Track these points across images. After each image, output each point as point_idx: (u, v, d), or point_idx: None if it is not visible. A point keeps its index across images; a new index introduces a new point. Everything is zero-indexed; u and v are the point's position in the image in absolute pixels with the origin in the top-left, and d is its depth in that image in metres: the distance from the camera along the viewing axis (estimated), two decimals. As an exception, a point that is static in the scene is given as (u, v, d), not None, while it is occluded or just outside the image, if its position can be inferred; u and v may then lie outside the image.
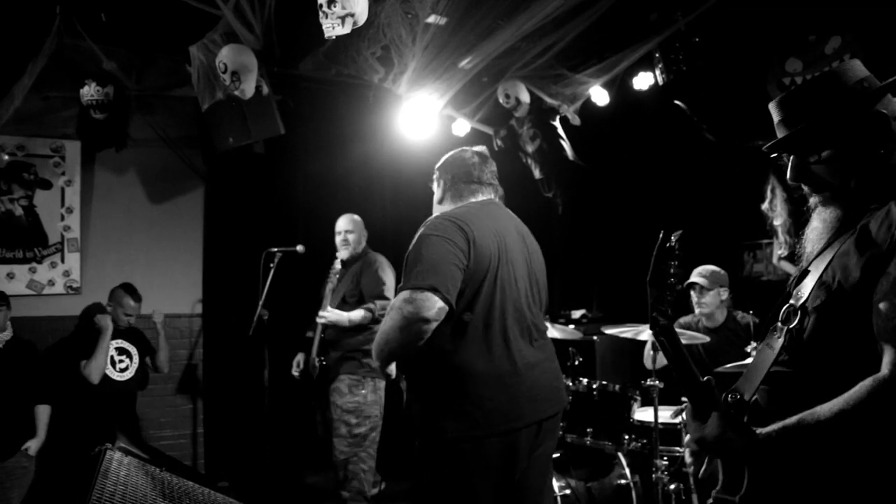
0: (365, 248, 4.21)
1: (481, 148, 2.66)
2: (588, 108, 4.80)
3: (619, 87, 4.70)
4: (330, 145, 5.20)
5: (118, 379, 4.20)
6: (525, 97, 4.71)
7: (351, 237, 4.12)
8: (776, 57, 4.10)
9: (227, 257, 5.02)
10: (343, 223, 4.18)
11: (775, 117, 1.51)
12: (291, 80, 4.25)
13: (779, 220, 4.14)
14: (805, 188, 1.48)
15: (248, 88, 3.60)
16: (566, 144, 5.14)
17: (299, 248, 4.27)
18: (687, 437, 1.49)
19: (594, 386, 3.66)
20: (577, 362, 3.87)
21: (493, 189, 2.56)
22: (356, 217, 4.24)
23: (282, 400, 4.52)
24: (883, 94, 1.40)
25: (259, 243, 4.42)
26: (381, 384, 3.98)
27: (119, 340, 4.25)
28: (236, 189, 5.07)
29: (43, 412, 3.87)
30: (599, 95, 4.70)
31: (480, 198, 2.52)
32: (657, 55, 4.30)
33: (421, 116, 4.57)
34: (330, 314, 3.85)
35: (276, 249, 4.27)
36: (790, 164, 1.46)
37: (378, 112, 4.76)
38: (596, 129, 5.07)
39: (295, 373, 4.20)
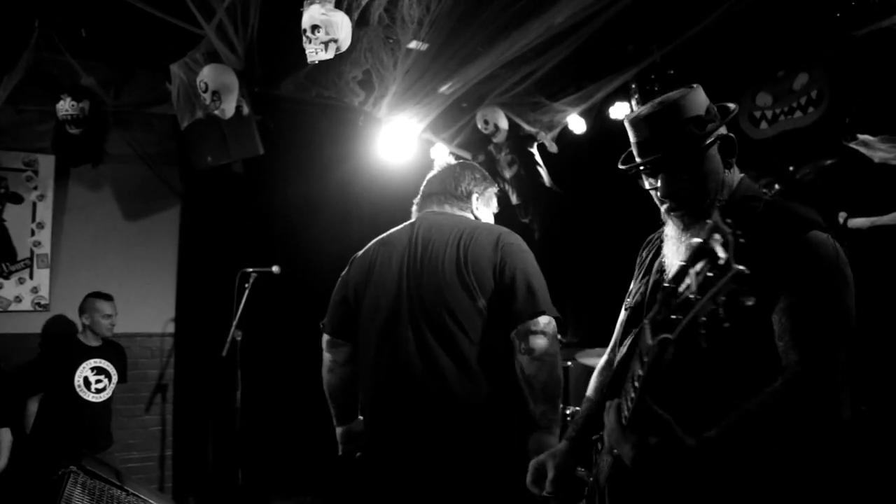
0: None
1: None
2: (565, 135, 4.87)
3: (596, 115, 4.78)
4: (309, 167, 5.20)
5: (93, 400, 4.09)
6: (503, 123, 4.77)
7: None
8: (748, 90, 4.22)
9: (201, 277, 4.96)
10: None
11: (633, 137, 1.62)
12: (272, 100, 4.25)
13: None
14: (669, 203, 1.57)
15: (228, 108, 3.60)
16: (543, 171, 5.21)
17: (275, 269, 4.24)
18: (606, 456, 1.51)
19: (567, 412, 3.67)
20: None
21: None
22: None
23: (253, 422, 4.45)
24: (724, 123, 1.56)
25: (235, 263, 4.38)
26: None
27: (97, 360, 4.16)
28: (213, 208, 5.03)
29: (4, 436, 3.71)
30: (576, 124, 4.78)
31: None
32: (633, 86, 4.40)
33: (400, 140, 4.60)
34: None
35: (251, 270, 4.24)
36: (662, 182, 1.55)
37: (358, 135, 4.79)
38: (572, 156, 5.14)
39: None
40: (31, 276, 4.61)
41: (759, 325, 1.39)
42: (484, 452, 2.08)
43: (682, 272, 1.12)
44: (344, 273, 2.49)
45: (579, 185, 5.53)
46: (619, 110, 4.65)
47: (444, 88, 4.14)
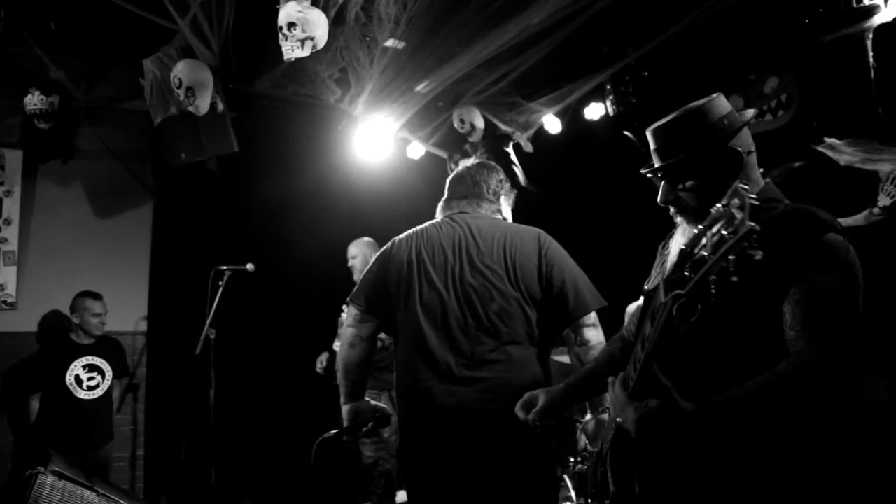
0: None
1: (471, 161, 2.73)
2: (541, 135, 4.91)
3: (572, 116, 4.83)
4: (285, 164, 5.16)
5: (85, 398, 4.08)
6: (480, 123, 4.79)
7: (355, 262, 4.29)
8: (720, 93, 4.29)
9: (174, 274, 4.90)
10: (349, 250, 4.37)
11: (651, 144, 1.70)
12: (247, 97, 4.22)
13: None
14: (672, 209, 1.69)
15: (202, 104, 3.56)
16: (519, 170, 5.24)
17: (249, 266, 4.21)
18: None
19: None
20: None
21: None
22: (364, 240, 4.38)
23: (227, 421, 4.41)
24: (738, 131, 1.63)
25: (208, 261, 4.33)
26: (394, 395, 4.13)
27: (90, 357, 4.17)
28: (187, 205, 4.98)
29: None
30: (552, 124, 4.82)
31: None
32: (608, 87, 4.45)
33: (376, 138, 4.59)
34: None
35: (225, 268, 4.21)
36: (661, 189, 1.67)
37: (334, 133, 4.77)
38: (548, 156, 5.18)
39: (319, 370, 4.33)
40: (-3, 274, 4.52)
41: (770, 312, 1.48)
42: (523, 449, 2.20)
43: (699, 236, 1.25)
44: (383, 252, 2.51)
45: (554, 184, 5.58)
46: (594, 111, 4.70)
47: (420, 87, 4.14)
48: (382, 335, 3.97)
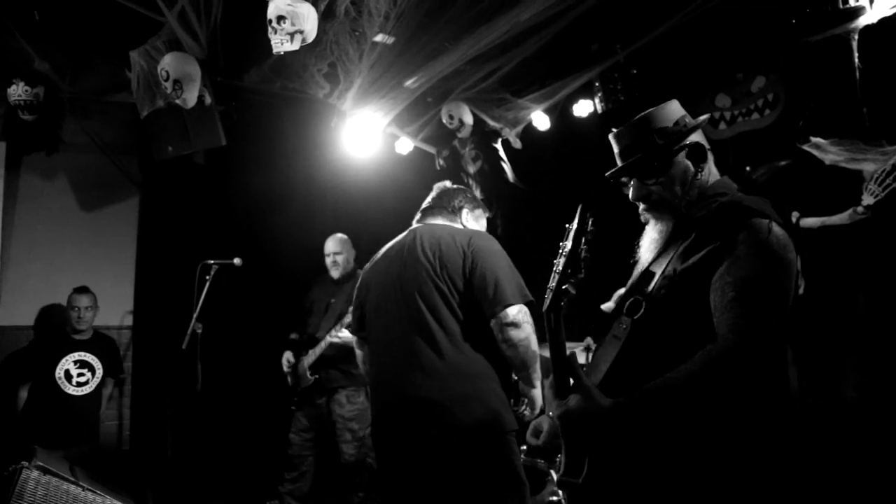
0: (354, 266, 4.36)
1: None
2: (529, 132, 4.92)
3: (560, 113, 4.84)
4: (272, 159, 5.14)
5: (74, 393, 4.07)
6: (468, 119, 4.79)
7: (340, 258, 4.31)
8: (707, 92, 4.33)
9: (160, 268, 4.87)
10: (331, 245, 4.37)
11: (615, 148, 1.79)
12: (235, 91, 4.18)
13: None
14: (642, 205, 1.77)
15: (190, 98, 3.53)
16: (507, 167, 5.24)
17: (236, 261, 4.20)
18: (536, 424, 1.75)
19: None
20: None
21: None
22: (343, 237, 4.40)
23: (213, 416, 4.40)
24: (694, 130, 1.72)
25: (195, 255, 4.31)
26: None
27: (81, 353, 4.18)
28: (173, 199, 4.94)
29: None
30: (541, 120, 4.83)
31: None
32: (597, 84, 4.47)
33: (364, 133, 4.58)
34: (346, 335, 3.97)
35: (212, 262, 4.18)
36: (633, 186, 1.76)
37: (322, 127, 4.75)
38: (536, 152, 5.19)
39: (286, 368, 4.33)
40: (-20, 267, 4.47)
41: (704, 301, 1.51)
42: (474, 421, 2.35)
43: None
44: (360, 276, 2.85)
45: (542, 180, 5.59)
46: (583, 108, 4.71)
47: (409, 83, 4.13)
48: None
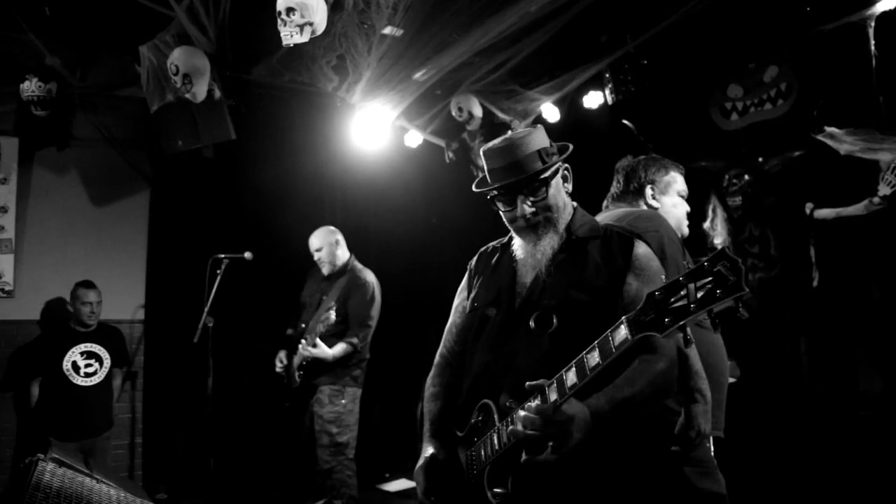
0: (349, 260, 4.26)
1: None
2: (539, 124, 4.89)
3: (570, 104, 4.81)
4: (281, 152, 5.14)
5: (83, 384, 4.10)
6: (478, 111, 4.77)
7: (322, 254, 4.19)
8: (719, 82, 4.28)
9: (171, 263, 4.89)
10: (312, 242, 4.24)
11: (493, 164, 1.80)
12: (244, 85, 4.19)
13: (719, 238, 4.30)
14: (523, 223, 1.79)
15: (199, 91, 3.54)
16: (517, 159, 5.21)
17: (247, 255, 4.19)
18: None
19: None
20: None
21: None
22: (324, 229, 4.26)
23: (225, 410, 4.42)
24: (561, 156, 1.83)
25: (206, 249, 4.31)
26: (359, 393, 4.08)
27: (88, 344, 4.21)
28: (184, 193, 4.95)
29: None
30: (550, 112, 4.80)
31: None
32: (607, 75, 4.43)
33: (373, 127, 4.57)
34: (316, 351, 3.89)
35: (223, 256, 4.18)
36: (520, 203, 1.77)
37: (331, 121, 4.74)
38: (546, 145, 5.16)
39: (278, 368, 4.25)
40: (-7, 262, 4.50)
41: (607, 316, 1.58)
42: None
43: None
44: None
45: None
46: (593, 99, 4.68)
47: (418, 75, 4.12)
48: (354, 339, 4.02)
